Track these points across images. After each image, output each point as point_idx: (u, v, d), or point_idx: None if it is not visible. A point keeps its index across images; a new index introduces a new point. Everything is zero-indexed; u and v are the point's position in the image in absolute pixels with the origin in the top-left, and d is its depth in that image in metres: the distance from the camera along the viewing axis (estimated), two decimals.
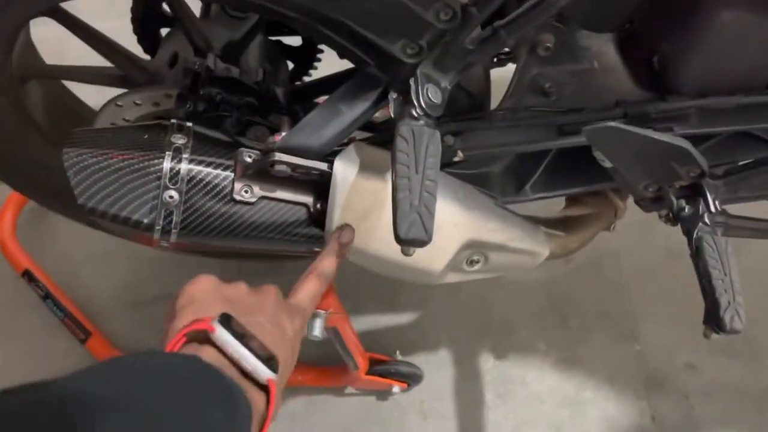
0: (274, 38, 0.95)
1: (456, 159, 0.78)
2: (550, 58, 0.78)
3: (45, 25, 0.84)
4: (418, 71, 0.61)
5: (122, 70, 0.86)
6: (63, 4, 0.75)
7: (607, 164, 0.71)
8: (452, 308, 1.23)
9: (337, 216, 0.68)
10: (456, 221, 0.73)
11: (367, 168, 0.68)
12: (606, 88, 0.80)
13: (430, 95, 0.61)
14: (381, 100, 0.66)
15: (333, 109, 0.66)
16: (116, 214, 0.64)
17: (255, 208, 0.68)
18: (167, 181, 0.64)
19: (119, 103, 0.81)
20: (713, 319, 0.70)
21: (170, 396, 0.42)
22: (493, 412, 1.15)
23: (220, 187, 0.66)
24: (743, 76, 0.75)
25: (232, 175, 0.67)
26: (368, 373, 1.08)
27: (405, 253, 0.59)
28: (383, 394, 1.16)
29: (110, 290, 1.23)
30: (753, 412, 1.14)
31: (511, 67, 0.83)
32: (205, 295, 0.55)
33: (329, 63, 0.95)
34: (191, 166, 0.65)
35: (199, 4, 0.88)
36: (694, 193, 0.75)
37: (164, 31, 0.93)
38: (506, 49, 0.80)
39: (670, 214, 0.77)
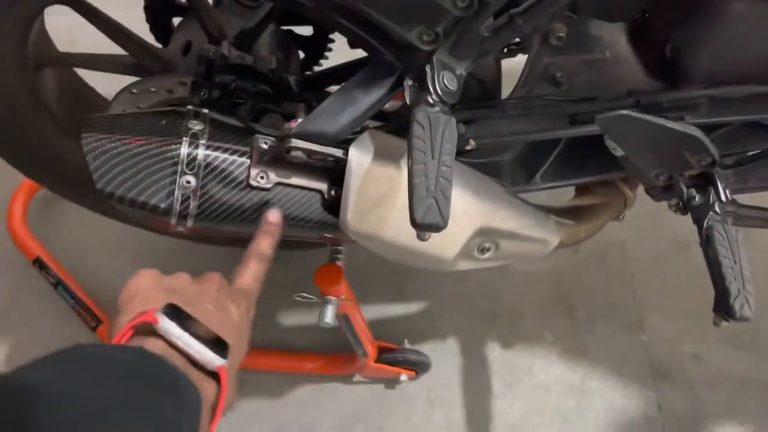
0: (285, 27, 0.96)
1: (468, 147, 0.78)
2: (562, 47, 0.78)
3: (55, 14, 0.85)
4: (434, 58, 0.62)
5: (136, 58, 0.86)
6: None
7: (619, 153, 0.72)
8: (460, 298, 1.24)
9: (351, 202, 0.68)
10: (468, 209, 0.74)
11: (381, 155, 0.69)
12: (617, 77, 0.80)
13: (446, 82, 0.61)
14: (396, 87, 0.66)
15: (349, 96, 0.67)
16: (134, 198, 0.65)
17: (270, 194, 0.69)
18: (184, 166, 0.65)
19: (134, 90, 0.81)
20: (723, 307, 0.71)
21: (114, 386, 0.41)
22: (500, 400, 1.16)
23: (237, 172, 0.67)
24: (755, 65, 0.75)
25: (248, 161, 0.68)
26: (377, 361, 1.09)
27: (420, 238, 0.59)
28: (391, 383, 1.17)
29: (119, 278, 1.22)
30: (759, 401, 1.15)
31: (520, 58, 0.84)
32: (146, 288, 0.55)
33: (338, 53, 0.96)
34: (208, 152, 0.66)
35: None
36: (704, 182, 0.76)
37: (176, 21, 0.94)
38: (517, 40, 0.81)
39: (680, 203, 0.78)
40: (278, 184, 0.69)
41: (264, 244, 0.65)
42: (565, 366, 1.18)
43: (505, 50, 0.83)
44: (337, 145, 0.68)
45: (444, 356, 1.19)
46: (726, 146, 0.79)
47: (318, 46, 1.00)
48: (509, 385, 1.17)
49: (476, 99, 0.81)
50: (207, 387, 0.49)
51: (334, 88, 0.86)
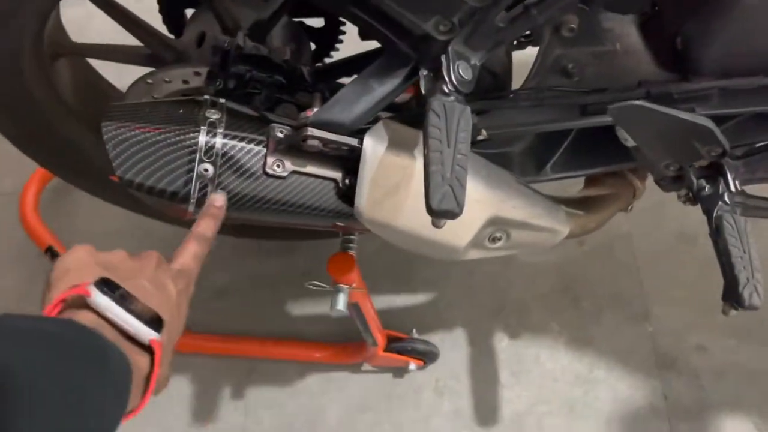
0: (297, 19, 0.97)
1: (480, 138, 0.79)
2: (573, 39, 0.79)
3: (66, 6, 0.86)
4: (450, 48, 0.63)
5: (150, 49, 0.87)
6: None
7: (630, 143, 0.73)
8: (467, 288, 1.25)
9: (365, 190, 0.69)
10: (480, 198, 0.75)
11: (395, 144, 0.70)
12: (628, 69, 0.81)
13: (461, 72, 0.62)
14: (411, 77, 0.67)
15: (364, 86, 0.68)
16: (152, 186, 0.66)
17: (286, 182, 0.70)
18: (203, 154, 0.66)
19: (149, 80, 0.82)
20: (732, 296, 0.72)
21: (35, 354, 0.41)
22: (507, 390, 1.17)
23: (253, 161, 0.68)
24: (765, 57, 0.76)
25: (265, 149, 0.69)
26: (386, 350, 1.11)
27: (435, 225, 0.60)
28: (399, 372, 1.18)
29: None
30: (764, 392, 1.16)
31: (530, 50, 0.85)
32: (80, 263, 0.54)
33: (348, 45, 0.96)
34: (226, 141, 0.67)
35: None
36: (714, 173, 0.77)
37: (189, 12, 0.95)
38: (527, 32, 0.82)
39: (690, 194, 0.79)
40: (294, 172, 0.70)
41: (205, 225, 0.65)
42: (571, 356, 1.19)
43: (515, 42, 0.84)
44: (352, 135, 0.69)
45: (452, 346, 1.20)
46: (736, 137, 0.80)
47: (329, 37, 1.00)
48: (516, 375, 1.18)
49: (488, 90, 0.82)
50: (139, 359, 0.49)
51: (345, 80, 0.87)
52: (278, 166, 0.69)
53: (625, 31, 0.82)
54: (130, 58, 0.90)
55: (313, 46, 1.01)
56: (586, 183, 0.96)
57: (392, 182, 0.70)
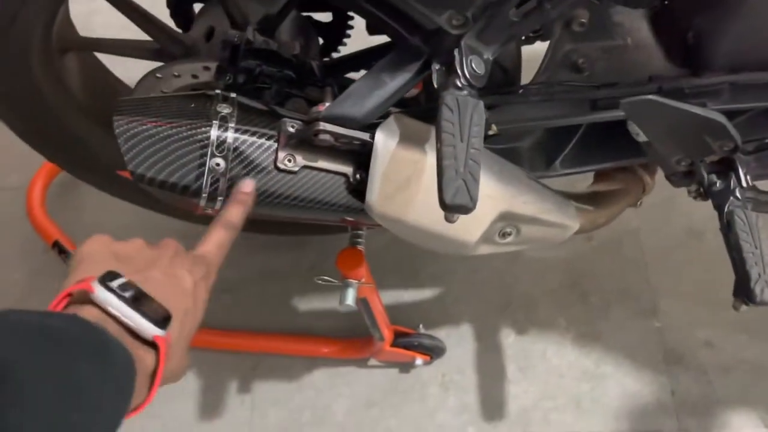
0: (305, 14, 0.96)
1: (490, 133, 0.79)
2: (583, 33, 0.78)
3: (71, 2, 0.86)
4: (463, 42, 0.63)
5: (159, 44, 0.87)
6: None
7: (642, 138, 0.73)
8: (474, 284, 1.25)
9: (377, 185, 0.69)
10: (491, 193, 0.75)
11: (406, 139, 0.70)
12: (639, 64, 0.81)
13: (474, 66, 0.62)
14: (423, 72, 0.67)
15: (376, 81, 0.67)
16: (164, 180, 0.66)
17: (297, 177, 0.70)
18: (214, 148, 0.66)
19: (158, 75, 0.82)
20: (744, 291, 0.72)
21: (35, 349, 0.41)
22: (514, 385, 1.17)
23: (264, 155, 0.68)
24: None
25: (276, 144, 0.69)
26: (393, 345, 1.11)
27: (448, 219, 0.60)
28: (405, 367, 1.18)
29: None
30: None
31: (538, 46, 0.85)
32: (94, 254, 0.54)
33: (355, 40, 0.96)
34: (237, 135, 0.67)
35: None
36: (725, 168, 0.77)
37: (197, 7, 0.95)
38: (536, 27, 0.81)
39: (701, 189, 0.79)
40: (305, 167, 0.70)
41: (234, 212, 0.64)
42: (578, 351, 1.19)
43: (525, 37, 0.84)
44: (363, 129, 0.69)
45: (458, 341, 1.20)
46: (747, 132, 0.79)
47: (337, 32, 1.00)
48: (523, 370, 1.18)
49: (498, 85, 0.81)
50: (144, 355, 0.49)
51: (353, 75, 0.87)
52: (289, 160, 0.69)
53: (635, 25, 0.82)
54: (139, 53, 0.90)
55: (320, 41, 1.01)
56: (596, 178, 0.96)
57: (404, 177, 0.70)
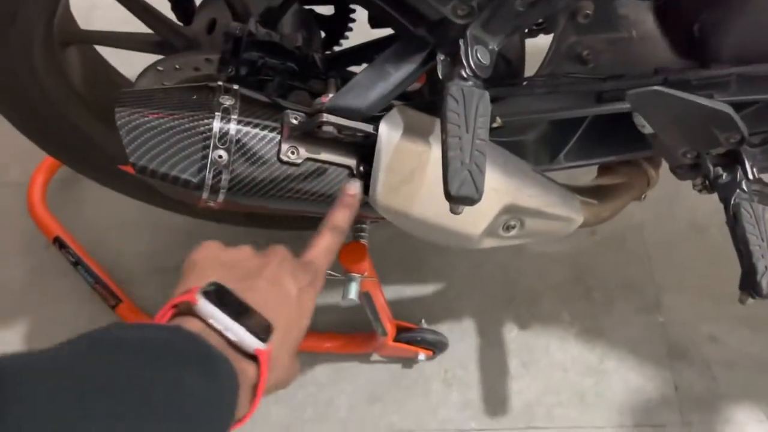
0: (306, 7, 0.96)
1: (494, 125, 0.78)
2: (588, 25, 0.78)
3: None
4: (468, 32, 0.62)
5: (161, 36, 0.86)
6: None
7: (648, 130, 0.72)
8: (477, 278, 1.25)
9: (381, 177, 0.69)
10: (496, 186, 0.74)
11: (410, 131, 0.69)
12: (644, 56, 0.80)
13: (479, 56, 0.62)
14: (427, 62, 0.66)
15: (380, 72, 0.67)
16: (166, 172, 0.65)
17: (300, 169, 0.69)
18: (217, 140, 0.65)
19: (159, 67, 0.81)
20: (750, 285, 0.71)
21: (140, 363, 0.41)
22: (517, 380, 1.16)
23: (267, 147, 0.67)
24: None
25: (279, 136, 0.68)
26: (395, 340, 1.10)
27: (454, 211, 0.60)
28: (408, 362, 1.18)
29: (137, 257, 1.25)
30: None
31: (541, 40, 0.84)
32: (204, 261, 0.55)
33: (357, 33, 0.96)
34: (240, 127, 0.66)
35: None
36: (731, 160, 0.76)
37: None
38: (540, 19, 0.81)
39: (707, 182, 0.78)
40: (308, 159, 0.69)
41: (341, 215, 0.64)
42: (582, 346, 1.19)
43: (527, 30, 0.83)
44: (367, 121, 0.68)
45: (461, 336, 1.19)
46: (753, 124, 0.79)
47: (339, 25, 1.00)
48: (526, 365, 1.18)
49: (502, 77, 0.81)
50: (247, 367, 0.48)
51: (355, 68, 0.87)
52: (292, 152, 0.68)
53: (640, 17, 0.81)
54: (140, 46, 0.89)
55: (322, 33, 1.00)
56: (600, 172, 0.96)
57: (408, 169, 0.69)
